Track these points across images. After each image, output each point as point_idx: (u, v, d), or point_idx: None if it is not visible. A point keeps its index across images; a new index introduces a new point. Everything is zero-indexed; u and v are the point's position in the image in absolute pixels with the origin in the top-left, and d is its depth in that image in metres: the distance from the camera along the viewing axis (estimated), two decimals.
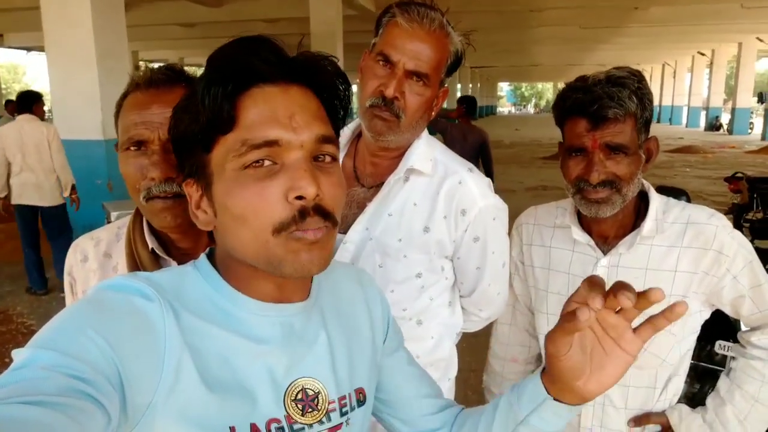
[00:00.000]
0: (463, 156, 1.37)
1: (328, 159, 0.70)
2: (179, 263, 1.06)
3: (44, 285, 5.48)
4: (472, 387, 3.56)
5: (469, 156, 5.68)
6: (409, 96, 1.24)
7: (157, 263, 1.06)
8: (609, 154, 1.18)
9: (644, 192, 1.29)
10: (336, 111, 0.75)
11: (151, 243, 1.07)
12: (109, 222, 1.22)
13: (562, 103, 1.23)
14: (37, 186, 5.20)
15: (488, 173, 5.96)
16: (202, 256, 0.76)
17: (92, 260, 1.13)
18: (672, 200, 1.29)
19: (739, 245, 1.21)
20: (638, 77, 1.19)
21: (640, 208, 1.29)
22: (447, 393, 1.47)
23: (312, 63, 0.71)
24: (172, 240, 1.08)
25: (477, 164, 5.75)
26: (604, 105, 1.14)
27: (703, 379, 2.75)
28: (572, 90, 1.20)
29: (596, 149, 1.17)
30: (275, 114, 0.67)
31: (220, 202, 0.69)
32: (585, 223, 1.32)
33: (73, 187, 5.29)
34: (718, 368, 2.75)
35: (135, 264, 1.06)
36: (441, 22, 1.25)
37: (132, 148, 1.01)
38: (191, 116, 0.68)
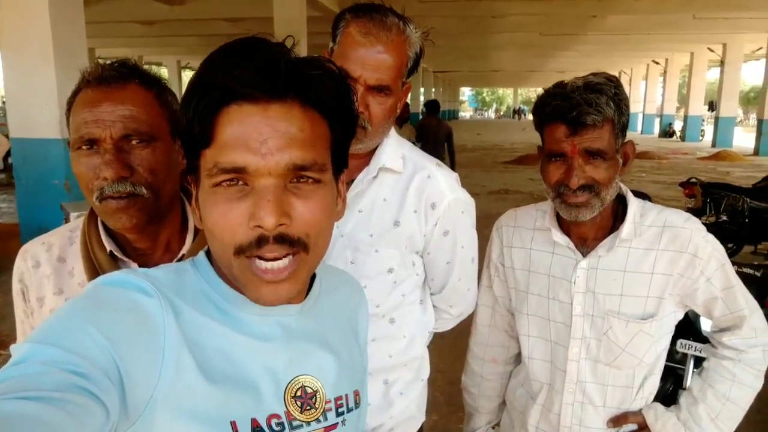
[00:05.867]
0: (436, 141, 1.38)
1: (310, 181, 0.67)
2: (139, 265, 1.04)
3: None
4: (439, 388, 3.57)
5: (441, 142, 8.70)
6: (374, 107, 1.23)
7: (115, 265, 1.03)
8: (588, 159, 1.20)
9: (622, 195, 1.32)
10: (335, 124, 0.70)
11: (108, 245, 1.03)
12: (68, 223, 1.18)
13: (541, 110, 1.25)
14: None
15: (451, 154, 8.80)
16: (201, 254, 0.75)
17: (45, 266, 1.08)
18: (648, 203, 1.32)
19: (713, 248, 1.26)
20: (615, 83, 1.22)
21: (618, 211, 1.32)
22: (420, 394, 1.48)
23: (301, 75, 0.65)
24: (128, 240, 1.05)
25: (444, 149, 8.76)
26: (583, 111, 1.16)
27: (664, 377, 2.82)
28: (551, 96, 1.22)
29: (575, 155, 1.20)
30: (247, 138, 0.64)
31: (201, 209, 0.69)
32: (564, 226, 1.34)
33: None
34: (679, 366, 2.84)
35: (93, 267, 1.02)
36: (398, 27, 1.22)
37: (84, 147, 0.98)
38: (179, 121, 0.67)
